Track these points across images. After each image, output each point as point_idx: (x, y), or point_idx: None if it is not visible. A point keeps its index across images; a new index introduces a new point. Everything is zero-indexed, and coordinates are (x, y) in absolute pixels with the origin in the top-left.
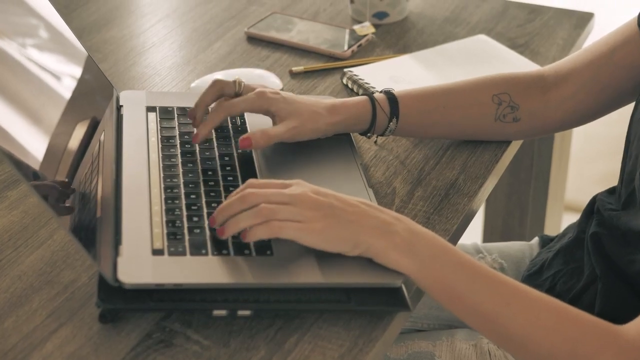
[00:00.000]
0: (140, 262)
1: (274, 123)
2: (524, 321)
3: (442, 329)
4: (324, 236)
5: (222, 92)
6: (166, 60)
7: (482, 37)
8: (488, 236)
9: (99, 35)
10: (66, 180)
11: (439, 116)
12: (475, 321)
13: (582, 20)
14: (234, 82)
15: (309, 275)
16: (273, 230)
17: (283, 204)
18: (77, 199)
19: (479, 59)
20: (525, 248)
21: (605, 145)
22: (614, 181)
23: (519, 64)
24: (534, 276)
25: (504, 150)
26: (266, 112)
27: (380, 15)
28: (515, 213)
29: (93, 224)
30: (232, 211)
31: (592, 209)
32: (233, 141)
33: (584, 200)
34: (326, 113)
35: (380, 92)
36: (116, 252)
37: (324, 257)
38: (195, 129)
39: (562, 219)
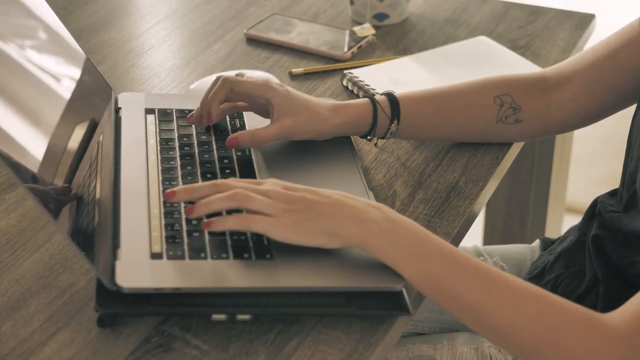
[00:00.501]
0: (139, 266)
1: (271, 116)
2: (505, 310)
3: (443, 332)
4: (296, 230)
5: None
6: (165, 61)
7: (483, 39)
8: (488, 238)
9: (98, 37)
10: (64, 183)
11: (440, 118)
12: (459, 311)
13: (583, 21)
14: (237, 75)
15: (309, 279)
16: (244, 221)
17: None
18: (75, 202)
19: (480, 61)
20: (527, 251)
21: (606, 147)
22: (615, 183)
23: (520, 66)
24: (535, 279)
25: (505, 153)
26: (267, 101)
27: (381, 16)
28: (516, 215)
29: (91, 227)
30: (200, 194)
31: (594, 211)
32: None
33: (585, 201)
34: (328, 114)
35: (381, 94)
36: (114, 256)
37: (324, 261)
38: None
39: (563, 221)
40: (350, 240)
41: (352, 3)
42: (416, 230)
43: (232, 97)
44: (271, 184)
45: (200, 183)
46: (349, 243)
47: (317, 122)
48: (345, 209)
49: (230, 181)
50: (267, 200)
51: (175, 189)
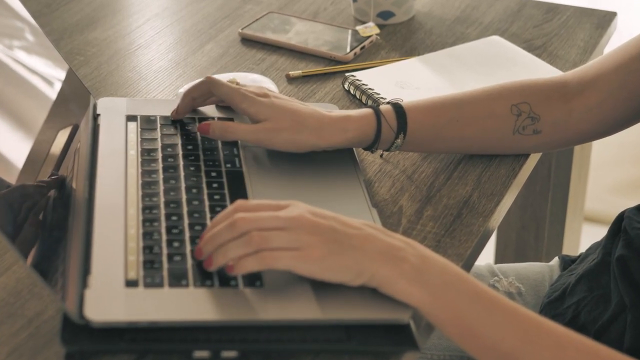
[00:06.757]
0: (111, 295)
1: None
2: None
3: None
4: (324, 265)
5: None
6: (152, 63)
7: (496, 39)
8: (501, 252)
9: (82, 37)
10: (33, 198)
11: (451, 130)
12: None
13: (604, 20)
14: (230, 82)
15: (304, 311)
16: (265, 261)
17: (277, 229)
18: (41, 222)
19: (493, 63)
20: (545, 270)
21: (624, 151)
22: (632, 189)
23: (536, 68)
24: (555, 303)
25: (522, 164)
26: (243, 112)
27: (385, 14)
28: (531, 227)
29: (60, 251)
30: (220, 240)
31: (619, 227)
32: (222, 155)
33: (601, 209)
34: (319, 129)
35: (387, 102)
36: (84, 284)
37: (321, 289)
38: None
39: (581, 233)
40: (375, 278)
41: (354, 0)
42: (449, 269)
43: (208, 100)
44: (295, 207)
45: (218, 228)
46: (371, 282)
47: (303, 133)
48: (376, 244)
49: (248, 215)
50: (288, 234)
51: (200, 246)
